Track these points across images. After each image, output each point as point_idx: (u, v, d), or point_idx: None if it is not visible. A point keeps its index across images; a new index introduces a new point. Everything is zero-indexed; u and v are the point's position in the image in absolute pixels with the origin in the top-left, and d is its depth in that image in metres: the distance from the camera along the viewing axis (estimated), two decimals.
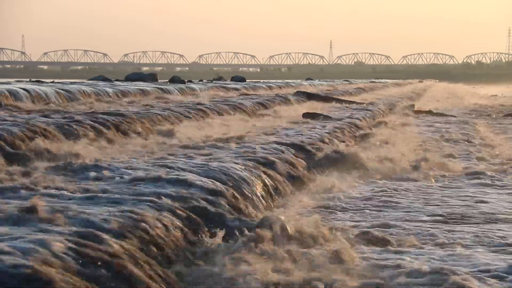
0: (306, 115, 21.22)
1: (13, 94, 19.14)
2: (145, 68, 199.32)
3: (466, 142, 17.63)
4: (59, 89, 22.10)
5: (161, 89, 28.81)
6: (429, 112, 29.96)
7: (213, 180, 8.23)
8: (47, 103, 19.31)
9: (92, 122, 13.40)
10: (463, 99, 49.35)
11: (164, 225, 6.22)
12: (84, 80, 39.38)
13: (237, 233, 6.33)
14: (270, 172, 10.19)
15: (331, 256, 6.00)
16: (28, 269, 4.35)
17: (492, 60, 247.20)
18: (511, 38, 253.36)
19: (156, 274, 5.25)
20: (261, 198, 8.93)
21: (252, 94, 31.93)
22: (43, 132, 11.59)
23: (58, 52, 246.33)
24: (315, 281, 5.40)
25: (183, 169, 8.68)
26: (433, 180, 11.47)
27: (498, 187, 10.84)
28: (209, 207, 7.22)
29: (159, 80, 40.70)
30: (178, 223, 6.46)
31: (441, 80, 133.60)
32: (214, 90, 33.20)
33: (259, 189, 9.12)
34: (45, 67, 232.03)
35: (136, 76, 42.08)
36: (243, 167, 9.51)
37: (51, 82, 31.93)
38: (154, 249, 5.73)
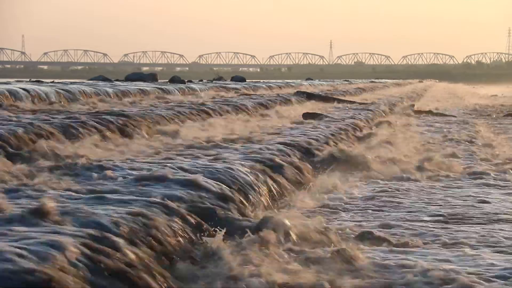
0: (307, 115, 21.21)
1: (13, 94, 19.12)
2: (145, 68, 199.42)
3: (466, 142, 17.61)
4: (59, 89, 22.07)
5: (161, 89, 28.79)
6: (429, 112, 29.97)
7: (217, 181, 8.23)
8: (48, 103, 19.29)
9: (95, 123, 13.41)
10: (463, 99, 49.38)
11: (172, 225, 6.22)
12: (84, 80, 39.36)
13: (241, 233, 6.31)
14: (273, 172, 10.19)
15: (335, 256, 5.99)
16: (40, 274, 4.33)
17: (492, 60, 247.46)
18: (511, 38, 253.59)
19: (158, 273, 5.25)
20: (264, 198, 8.91)
21: (253, 94, 31.93)
22: (47, 133, 11.59)
23: (58, 52, 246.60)
24: (319, 281, 5.38)
25: (189, 170, 8.67)
26: (434, 180, 11.45)
27: (500, 187, 10.84)
28: (214, 207, 7.21)
29: (159, 80, 40.69)
30: (184, 223, 6.46)
31: (441, 80, 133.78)
32: (214, 90, 33.20)
33: (262, 190, 9.11)
34: (45, 67, 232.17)
35: (136, 76, 42.08)
36: (248, 168, 9.51)
37: (51, 82, 31.90)
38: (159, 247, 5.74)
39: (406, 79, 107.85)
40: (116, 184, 7.58)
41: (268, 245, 6.10)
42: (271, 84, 44.58)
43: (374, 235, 7.21)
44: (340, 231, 7.34)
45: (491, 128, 22.96)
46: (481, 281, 5.56)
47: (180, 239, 6.12)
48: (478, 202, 9.41)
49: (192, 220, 6.62)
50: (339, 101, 31.71)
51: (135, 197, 6.76)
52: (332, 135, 16.13)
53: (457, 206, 9.16)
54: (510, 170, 12.40)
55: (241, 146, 12.21)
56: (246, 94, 31.74)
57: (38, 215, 5.54)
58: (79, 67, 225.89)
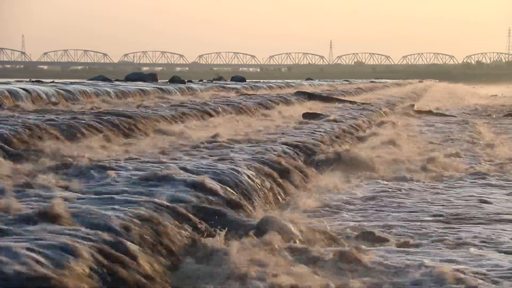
0: (307, 115, 21.20)
1: (13, 94, 19.11)
2: (145, 68, 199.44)
3: (467, 142, 17.61)
4: (59, 89, 22.07)
5: (161, 89, 28.78)
6: (429, 112, 29.98)
7: (220, 182, 8.23)
8: (48, 103, 19.28)
9: (97, 123, 13.40)
10: (463, 99, 49.34)
11: (178, 225, 6.22)
12: (84, 80, 39.35)
13: (242, 233, 6.30)
14: (275, 173, 10.18)
15: (338, 257, 5.98)
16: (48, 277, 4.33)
17: (492, 60, 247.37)
18: (511, 38, 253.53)
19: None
20: (266, 198, 8.91)
21: (253, 95, 31.91)
22: (49, 133, 11.59)
23: (58, 52, 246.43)
24: (323, 281, 5.37)
25: (194, 170, 8.67)
26: (436, 180, 11.43)
27: (501, 187, 10.83)
28: (216, 208, 7.21)
29: (159, 80, 40.68)
30: (189, 223, 6.46)
31: (441, 80, 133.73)
32: (214, 90, 33.19)
33: (265, 190, 9.11)
34: (45, 67, 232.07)
35: (136, 76, 42.07)
36: (250, 168, 9.52)
37: (51, 82, 31.90)
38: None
39: (406, 79, 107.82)
40: (123, 184, 7.58)
41: (270, 245, 6.08)
42: (271, 84, 44.58)
43: (376, 235, 7.20)
44: (341, 231, 7.33)
45: (492, 128, 22.95)
46: (488, 283, 5.55)
47: (186, 239, 6.13)
48: (481, 202, 9.40)
49: (196, 220, 6.62)
50: (340, 101, 31.71)
51: (141, 198, 6.76)
52: (333, 135, 16.14)
53: (460, 206, 9.15)
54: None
55: (243, 146, 12.21)
56: (247, 94, 31.74)
57: (47, 216, 5.54)
58: (79, 67, 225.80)
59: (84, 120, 13.49)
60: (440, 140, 18.20)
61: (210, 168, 8.91)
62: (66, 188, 7.20)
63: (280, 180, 10.09)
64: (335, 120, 19.67)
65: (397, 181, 11.33)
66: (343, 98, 35.09)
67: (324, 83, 58.77)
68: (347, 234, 7.30)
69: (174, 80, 39.32)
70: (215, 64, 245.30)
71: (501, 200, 9.65)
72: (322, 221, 7.32)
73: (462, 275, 5.55)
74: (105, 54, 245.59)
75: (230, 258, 5.64)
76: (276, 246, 6.10)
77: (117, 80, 40.11)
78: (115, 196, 6.77)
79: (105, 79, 39.89)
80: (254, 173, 9.38)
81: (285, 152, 11.87)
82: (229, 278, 5.34)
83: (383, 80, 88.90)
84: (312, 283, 5.32)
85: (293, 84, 49.13)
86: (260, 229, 6.45)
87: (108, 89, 24.80)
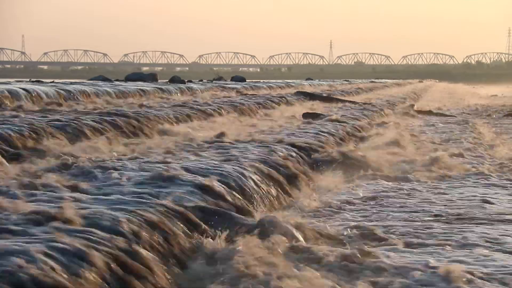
0: (307, 115, 21.19)
1: (13, 94, 19.10)
2: (145, 68, 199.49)
3: (467, 142, 17.59)
4: (59, 89, 22.05)
5: (162, 89, 28.77)
6: (430, 112, 29.98)
7: (222, 182, 8.22)
8: (48, 103, 19.27)
9: (99, 123, 13.39)
10: (463, 99, 49.36)
11: (182, 225, 6.22)
12: (84, 80, 39.34)
13: (242, 233, 6.29)
14: (276, 172, 10.16)
15: (340, 257, 5.96)
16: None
17: (492, 60, 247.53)
18: (511, 38, 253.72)
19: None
20: (267, 198, 8.90)
21: (253, 95, 31.90)
22: (51, 133, 11.58)
23: (58, 52, 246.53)
24: (326, 282, 5.36)
25: (197, 170, 8.66)
26: (438, 180, 11.42)
27: (502, 187, 10.81)
28: (217, 207, 7.20)
29: (159, 80, 40.68)
30: (193, 224, 6.45)
31: (441, 80, 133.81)
32: (214, 90, 33.18)
33: (267, 190, 9.09)
34: (45, 67, 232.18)
35: (136, 76, 42.09)
36: (252, 168, 9.50)
37: (51, 82, 31.89)
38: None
39: (406, 79, 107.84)
40: (126, 185, 7.56)
41: (272, 245, 6.07)
42: (271, 84, 44.56)
43: (378, 235, 7.18)
44: (343, 231, 7.31)
45: (492, 128, 22.94)
46: (496, 283, 5.53)
47: (190, 239, 6.13)
48: (484, 202, 9.39)
49: (199, 221, 6.61)
50: (340, 101, 31.72)
51: (144, 199, 6.75)
52: (334, 135, 16.12)
53: (463, 206, 9.13)
54: None
55: (244, 146, 12.19)
56: (247, 94, 31.73)
57: (53, 217, 5.52)
58: (79, 67, 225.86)
59: (87, 120, 13.48)
60: (440, 140, 18.19)
61: (215, 169, 8.91)
62: (74, 189, 7.16)
63: (281, 179, 10.07)
64: (336, 120, 19.66)
65: (399, 180, 11.30)
66: (343, 98, 35.09)
67: (324, 83, 58.76)
68: (349, 234, 7.28)
69: (174, 80, 39.32)
70: (215, 64, 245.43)
71: (505, 201, 9.64)
72: (325, 221, 7.29)
73: (469, 276, 5.55)
74: (105, 54, 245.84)
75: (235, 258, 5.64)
76: (277, 245, 6.09)
77: (117, 80, 40.10)
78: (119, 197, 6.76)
79: (105, 79, 39.89)
80: (255, 172, 9.37)
81: (286, 152, 11.84)
82: (235, 279, 5.32)
83: (383, 80, 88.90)
84: (312, 283, 5.31)
85: (293, 84, 49.12)
86: (262, 228, 6.44)
87: (108, 89, 24.79)
